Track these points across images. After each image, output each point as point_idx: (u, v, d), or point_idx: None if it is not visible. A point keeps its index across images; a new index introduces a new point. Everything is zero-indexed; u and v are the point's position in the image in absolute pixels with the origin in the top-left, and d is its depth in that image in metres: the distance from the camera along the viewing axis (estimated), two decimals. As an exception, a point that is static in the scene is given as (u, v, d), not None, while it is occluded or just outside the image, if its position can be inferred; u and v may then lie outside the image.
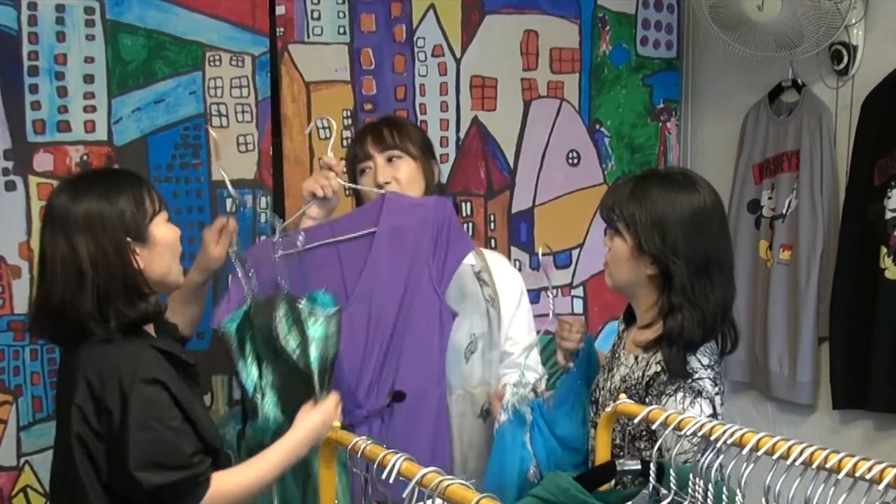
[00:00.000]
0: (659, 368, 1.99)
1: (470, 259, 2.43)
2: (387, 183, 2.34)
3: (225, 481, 1.93)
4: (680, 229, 1.99)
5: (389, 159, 2.38)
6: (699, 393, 1.94)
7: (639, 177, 2.12)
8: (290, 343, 2.07)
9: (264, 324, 2.10)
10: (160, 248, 1.96)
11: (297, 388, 2.11)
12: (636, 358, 2.06)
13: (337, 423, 1.74)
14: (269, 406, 2.16)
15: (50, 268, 1.89)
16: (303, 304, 2.10)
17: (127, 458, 1.81)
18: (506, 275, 2.51)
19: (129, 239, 1.91)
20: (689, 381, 1.96)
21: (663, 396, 1.96)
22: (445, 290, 2.27)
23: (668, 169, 2.10)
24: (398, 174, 2.37)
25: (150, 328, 2.00)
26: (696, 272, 1.99)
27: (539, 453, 2.13)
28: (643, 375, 2.02)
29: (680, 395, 1.95)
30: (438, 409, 2.27)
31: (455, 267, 2.28)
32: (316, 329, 2.08)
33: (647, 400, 1.98)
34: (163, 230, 1.97)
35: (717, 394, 1.98)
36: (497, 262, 2.53)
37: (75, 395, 1.86)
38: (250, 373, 2.16)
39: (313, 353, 2.07)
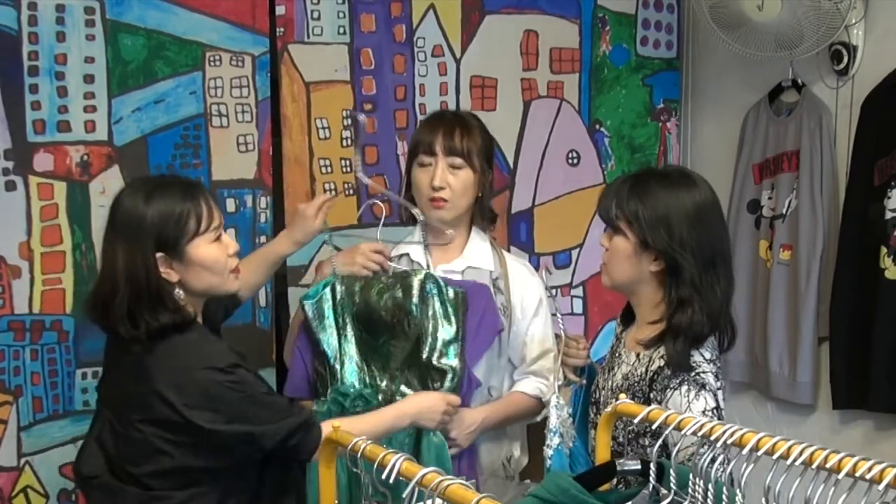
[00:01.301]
0: (662, 363, 2.00)
1: (489, 265, 2.45)
2: (441, 188, 2.36)
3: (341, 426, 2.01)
4: (685, 224, 2.00)
5: (452, 164, 2.39)
6: (703, 386, 1.95)
7: (636, 175, 2.12)
8: (425, 313, 2.27)
9: (387, 293, 2.29)
10: (197, 268, 1.99)
11: (395, 357, 2.30)
12: (638, 355, 2.07)
13: (337, 423, 1.75)
14: (349, 373, 2.33)
15: (102, 260, 2.01)
16: (441, 279, 2.28)
17: (239, 424, 1.94)
18: (524, 283, 2.48)
19: (163, 254, 1.95)
20: (693, 374, 1.96)
21: (668, 390, 1.97)
22: (475, 364, 2.37)
23: (664, 167, 2.12)
24: (454, 182, 2.38)
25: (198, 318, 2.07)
26: (703, 265, 2.00)
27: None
28: (646, 371, 2.02)
29: (685, 388, 1.95)
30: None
31: (487, 346, 2.38)
32: (449, 306, 2.28)
33: (651, 395, 1.98)
34: (203, 250, 1.99)
35: (719, 388, 1.99)
36: (517, 270, 2.51)
37: (157, 384, 1.94)
38: (331, 342, 2.33)
39: (447, 330, 2.28)
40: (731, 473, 1.49)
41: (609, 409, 1.75)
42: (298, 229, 2.41)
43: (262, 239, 2.85)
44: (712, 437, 1.48)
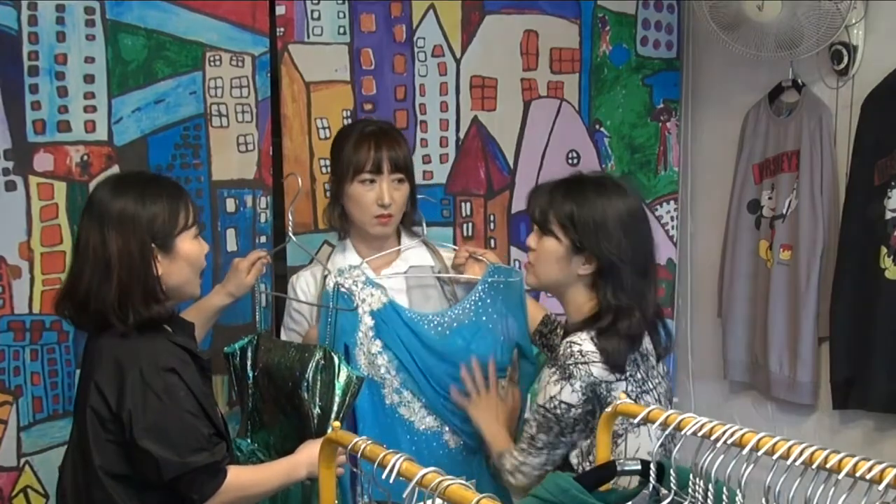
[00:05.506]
0: (560, 342, 2.06)
1: (429, 261, 2.53)
2: (389, 204, 2.41)
3: (238, 476, 2.03)
4: (621, 231, 2.04)
5: (395, 180, 2.45)
6: (570, 377, 1.98)
7: (569, 179, 2.15)
8: (313, 391, 2.24)
9: (285, 364, 2.28)
10: (181, 261, 2.05)
11: (287, 425, 2.31)
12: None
13: (337, 423, 1.75)
14: (254, 429, 2.39)
15: (83, 252, 2.02)
16: (337, 360, 2.25)
17: (148, 440, 1.91)
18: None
19: (153, 245, 2.00)
20: (572, 361, 1.99)
21: (544, 366, 2.05)
22: None
23: (594, 174, 2.17)
24: (398, 197, 2.45)
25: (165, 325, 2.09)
26: (637, 273, 2.05)
27: (389, 339, 2.29)
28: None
29: (553, 369, 2.02)
30: None
31: None
32: (339, 386, 2.25)
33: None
34: (188, 245, 2.06)
35: (617, 380, 2.01)
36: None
37: (96, 374, 1.97)
38: (245, 397, 2.41)
39: (335, 404, 2.24)
40: (730, 473, 1.49)
41: (609, 408, 1.75)
42: (232, 283, 2.45)
43: (262, 239, 2.85)
44: (712, 437, 1.48)
